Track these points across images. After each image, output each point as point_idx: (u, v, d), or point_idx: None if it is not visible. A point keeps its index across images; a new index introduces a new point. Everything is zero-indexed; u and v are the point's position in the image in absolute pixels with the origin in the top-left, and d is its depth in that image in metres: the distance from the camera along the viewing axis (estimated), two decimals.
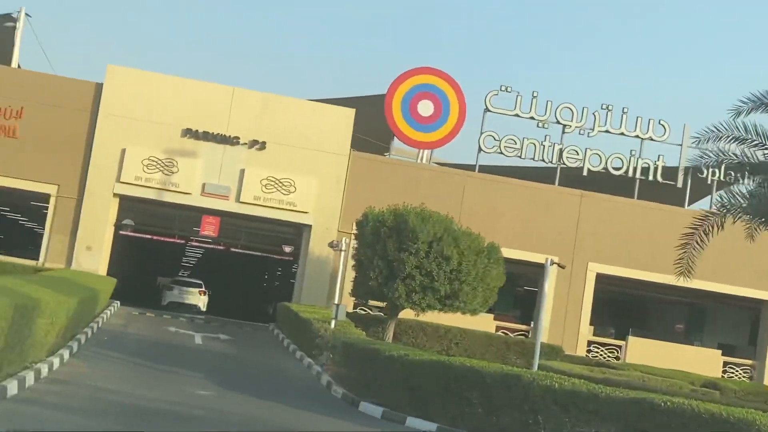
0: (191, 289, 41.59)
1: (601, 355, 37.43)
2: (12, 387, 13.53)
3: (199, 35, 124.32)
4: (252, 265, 57.43)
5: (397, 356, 17.27)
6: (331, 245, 26.41)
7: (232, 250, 36.83)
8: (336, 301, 25.81)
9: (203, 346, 25.71)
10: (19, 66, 38.74)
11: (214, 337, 28.34)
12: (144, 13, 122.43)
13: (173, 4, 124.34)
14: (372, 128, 38.24)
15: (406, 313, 30.70)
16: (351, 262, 30.96)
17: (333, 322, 25.13)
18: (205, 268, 68.90)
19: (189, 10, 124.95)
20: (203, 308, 41.05)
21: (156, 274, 61.01)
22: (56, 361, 17.23)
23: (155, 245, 42.24)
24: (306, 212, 35.05)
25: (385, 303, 30.64)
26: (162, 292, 42.83)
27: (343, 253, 26.14)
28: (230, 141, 34.71)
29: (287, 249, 36.21)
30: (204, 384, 18.26)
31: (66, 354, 18.50)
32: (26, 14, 39.36)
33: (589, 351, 37.27)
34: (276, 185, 34.79)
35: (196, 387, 17.59)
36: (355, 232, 30.65)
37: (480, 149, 37.53)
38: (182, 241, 36.09)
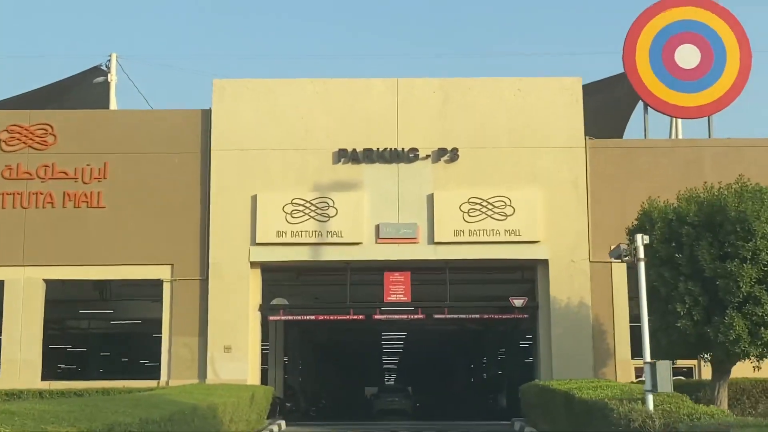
0: (396, 397, 41.14)
1: None
2: None
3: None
4: (470, 338, 44.19)
5: None
6: (615, 254, 14.26)
7: (436, 317, 24.61)
8: (647, 358, 13.39)
9: None
10: None
11: None
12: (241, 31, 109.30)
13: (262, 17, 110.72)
14: (598, 124, 26.00)
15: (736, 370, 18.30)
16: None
17: (649, 399, 12.79)
18: (409, 354, 56.20)
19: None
20: (410, 411, 39.42)
21: (347, 373, 52.86)
22: None
23: (333, 332, 32.70)
24: (536, 241, 23.07)
25: (708, 354, 17.86)
26: (371, 402, 41.45)
27: (642, 263, 13.80)
28: (405, 157, 23.34)
29: (518, 302, 23.86)
30: None
31: None
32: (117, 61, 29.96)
33: None
34: (483, 209, 23.03)
35: None
36: (626, 245, 18.18)
37: None
38: (361, 317, 24.29)
